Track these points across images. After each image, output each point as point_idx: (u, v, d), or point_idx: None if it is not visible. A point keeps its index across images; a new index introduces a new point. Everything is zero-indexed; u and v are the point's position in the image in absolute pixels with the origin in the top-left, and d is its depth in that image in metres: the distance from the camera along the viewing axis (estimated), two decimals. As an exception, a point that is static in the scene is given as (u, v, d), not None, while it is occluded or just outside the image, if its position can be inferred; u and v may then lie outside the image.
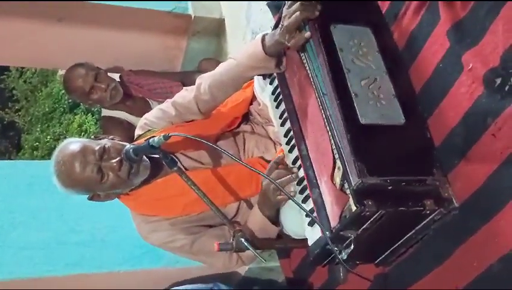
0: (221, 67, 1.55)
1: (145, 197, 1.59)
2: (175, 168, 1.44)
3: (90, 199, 1.56)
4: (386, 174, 1.18)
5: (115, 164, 1.45)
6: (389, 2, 1.51)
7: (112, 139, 1.56)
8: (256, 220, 1.53)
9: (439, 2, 1.35)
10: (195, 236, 1.59)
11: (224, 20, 2.99)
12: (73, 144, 1.50)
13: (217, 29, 3.02)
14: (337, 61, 1.31)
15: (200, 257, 1.63)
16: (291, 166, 1.44)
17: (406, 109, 1.29)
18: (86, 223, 2.29)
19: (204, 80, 1.56)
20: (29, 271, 2.16)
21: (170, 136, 1.36)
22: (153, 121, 1.63)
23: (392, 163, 1.23)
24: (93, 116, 7.32)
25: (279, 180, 1.40)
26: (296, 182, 1.41)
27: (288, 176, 1.41)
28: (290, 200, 1.44)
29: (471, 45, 1.28)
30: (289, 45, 1.36)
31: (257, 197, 1.55)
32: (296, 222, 1.46)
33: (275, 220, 1.53)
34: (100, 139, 1.54)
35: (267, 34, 1.42)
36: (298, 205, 1.34)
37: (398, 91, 1.31)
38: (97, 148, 1.46)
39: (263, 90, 1.63)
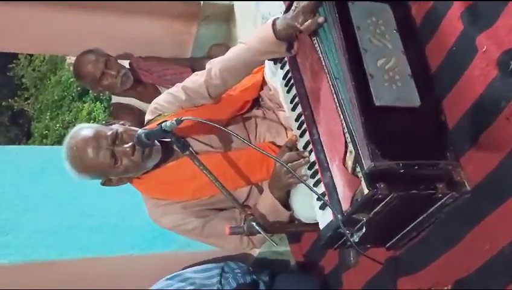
0: (231, 52, 1.55)
1: (156, 181, 1.60)
2: (187, 153, 1.45)
3: (103, 184, 1.58)
4: (398, 158, 1.18)
5: (128, 149, 1.46)
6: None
7: (123, 124, 1.57)
8: (266, 202, 1.54)
9: (453, -16, 1.34)
10: (206, 219, 1.60)
11: (233, 5, 2.97)
12: (85, 129, 1.51)
13: (226, 15, 3.01)
14: (354, 40, 1.28)
15: (211, 239, 1.65)
16: (302, 150, 1.44)
17: (422, 90, 1.27)
18: (97, 207, 2.31)
19: (214, 65, 1.56)
20: (42, 255, 2.19)
21: (182, 120, 1.37)
22: (163, 106, 1.63)
23: (405, 146, 1.22)
24: (101, 104, 7.35)
25: (291, 163, 1.40)
26: (307, 166, 1.42)
27: (299, 160, 1.41)
28: (301, 185, 1.45)
29: (485, 27, 1.27)
30: (301, 28, 1.35)
31: (268, 182, 1.55)
32: (307, 206, 1.46)
33: (285, 202, 1.54)
34: (111, 124, 1.55)
35: (278, 18, 1.41)
36: (310, 188, 1.34)
37: (415, 72, 1.29)
38: (109, 133, 1.47)
39: (274, 75, 1.63)
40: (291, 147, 1.47)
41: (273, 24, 1.40)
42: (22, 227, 2.21)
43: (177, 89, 1.64)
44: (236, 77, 1.58)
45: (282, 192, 1.51)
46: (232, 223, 1.58)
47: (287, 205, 1.54)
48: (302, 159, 1.41)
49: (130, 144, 1.47)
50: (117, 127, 1.51)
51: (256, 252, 2.33)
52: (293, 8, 1.37)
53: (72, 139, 1.50)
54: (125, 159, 1.47)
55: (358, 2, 1.33)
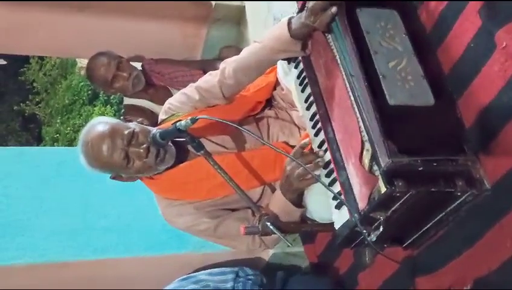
0: (245, 51, 1.55)
1: (169, 181, 1.60)
2: (202, 152, 1.45)
3: (113, 178, 1.58)
4: (416, 155, 1.17)
5: (142, 151, 1.46)
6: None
7: (141, 122, 1.57)
8: (278, 204, 1.53)
9: (470, -21, 1.33)
10: (219, 219, 1.60)
11: (244, 7, 2.98)
12: (102, 125, 1.50)
13: (237, 17, 3.02)
14: (364, 43, 1.29)
15: (224, 240, 1.64)
16: (317, 149, 1.43)
17: (435, 89, 1.27)
18: (112, 208, 2.32)
19: (228, 64, 1.56)
20: (58, 256, 2.20)
21: (197, 119, 1.37)
22: (177, 106, 1.63)
23: (422, 143, 1.21)
24: (112, 107, 7.40)
25: (306, 166, 1.39)
26: (321, 166, 1.41)
27: (314, 162, 1.40)
28: (315, 185, 1.44)
29: (504, 22, 1.25)
30: (315, 25, 1.35)
31: (279, 183, 1.54)
32: (322, 206, 1.45)
33: (298, 203, 1.53)
34: (129, 121, 1.55)
35: (293, 17, 1.41)
36: (326, 187, 1.33)
37: (427, 72, 1.29)
38: (126, 132, 1.47)
39: (287, 75, 1.63)
40: (304, 147, 1.46)
41: (289, 23, 1.40)
42: (37, 228, 2.22)
43: (190, 89, 1.64)
44: (250, 76, 1.57)
45: (294, 195, 1.50)
46: (245, 224, 1.57)
47: (298, 204, 1.53)
48: (318, 159, 1.40)
49: (144, 145, 1.46)
50: (134, 126, 1.51)
51: (269, 253, 2.32)
52: (306, 6, 1.37)
53: (89, 134, 1.50)
54: (138, 161, 1.48)
55: (365, 9, 1.35)
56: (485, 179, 1.21)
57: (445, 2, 1.43)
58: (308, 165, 1.39)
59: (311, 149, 1.45)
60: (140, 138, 1.48)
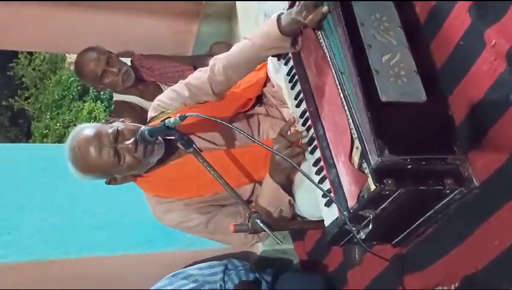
0: (235, 48, 1.54)
1: (160, 179, 1.59)
2: (191, 149, 1.44)
3: (108, 183, 1.57)
4: (405, 153, 1.17)
5: (130, 145, 1.45)
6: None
7: (123, 121, 1.56)
8: (268, 188, 1.53)
9: (460, -23, 1.33)
10: (209, 215, 1.60)
11: (235, 3, 2.96)
12: (86, 129, 1.50)
13: (228, 13, 3.01)
14: (358, 36, 1.28)
15: (216, 235, 1.64)
16: (302, 128, 1.45)
17: (428, 86, 1.26)
18: (100, 205, 2.31)
19: (218, 61, 1.55)
20: (44, 254, 2.18)
21: (186, 116, 1.36)
22: (167, 102, 1.62)
23: (412, 142, 1.21)
24: (102, 103, 7.36)
25: (288, 151, 1.43)
26: (311, 163, 1.40)
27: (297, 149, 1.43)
28: (305, 181, 1.44)
29: (494, 20, 1.26)
30: (306, 22, 1.34)
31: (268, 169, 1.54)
32: (312, 204, 1.45)
33: (286, 187, 1.53)
34: (112, 122, 1.54)
35: (282, 13, 1.40)
36: (315, 185, 1.33)
37: (420, 67, 1.28)
38: (110, 131, 1.46)
39: (277, 72, 1.62)
40: (284, 134, 1.48)
41: (278, 19, 1.39)
42: (24, 226, 2.20)
43: (180, 86, 1.63)
44: (240, 73, 1.57)
45: (282, 176, 1.51)
46: (237, 218, 1.58)
47: (287, 190, 1.53)
48: (300, 134, 1.44)
49: (132, 140, 1.46)
50: (117, 124, 1.51)
51: (259, 250, 2.32)
52: (297, 3, 1.36)
53: (74, 140, 1.49)
54: (128, 156, 1.47)
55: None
56: (474, 177, 1.21)
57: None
58: (289, 151, 1.42)
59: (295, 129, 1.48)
60: (126, 133, 1.47)
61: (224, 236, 1.63)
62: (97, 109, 7.34)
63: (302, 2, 1.34)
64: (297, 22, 1.36)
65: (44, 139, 8.16)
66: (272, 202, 1.53)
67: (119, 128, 1.48)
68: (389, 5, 1.35)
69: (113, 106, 2.89)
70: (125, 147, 1.46)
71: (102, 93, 7.02)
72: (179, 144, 1.55)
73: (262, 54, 1.50)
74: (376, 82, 1.24)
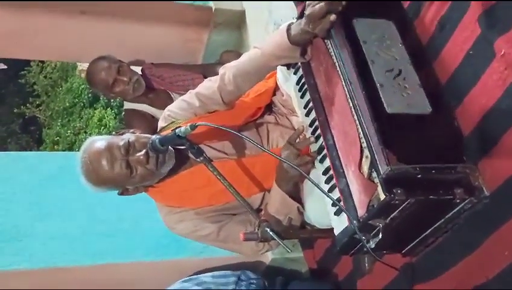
0: (245, 57, 1.55)
1: (171, 189, 1.60)
2: (201, 158, 1.45)
3: (121, 193, 1.58)
4: (415, 162, 1.17)
5: (142, 157, 1.46)
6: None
7: (134, 132, 1.57)
8: (276, 197, 1.54)
9: (470, -13, 1.33)
10: (221, 224, 1.60)
11: (245, 12, 2.99)
12: (97, 142, 1.51)
13: (238, 21, 3.02)
14: (361, 53, 1.31)
15: (228, 244, 1.65)
16: (310, 135, 1.46)
17: (432, 98, 1.28)
18: (111, 213, 2.32)
19: (228, 70, 1.56)
20: (56, 261, 2.19)
21: (197, 125, 1.37)
22: (177, 112, 1.63)
23: (420, 151, 1.22)
24: (112, 110, 7.40)
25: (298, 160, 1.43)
26: (320, 172, 1.41)
27: (308, 158, 1.43)
28: (314, 190, 1.45)
29: (504, 30, 1.26)
30: (315, 32, 1.35)
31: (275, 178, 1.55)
32: (321, 212, 1.45)
33: (294, 195, 1.54)
34: (122, 134, 1.56)
35: (292, 23, 1.41)
36: (325, 194, 1.33)
37: (424, 81, 1.31)
38: (122, 143, 1.47)
39: (287, 81, 1.63)
40: (292, 142, 1.49)
41: (288, 29, 1.40)
42: (36, 233, 2.22)
43: (190, 96, 1.64)
44: (250, 82, 1.58)
45: (289, 185, 1.51)
46: (247, 226, 1.59)
47: (295, 197, 1.54)
48: (309, 140, 1.44)
49: (143, 151, 1.46)
50: (128, 136, 1.52)
51: (269, 258, 2.32)
52: (305, 13, 1.37)
53: (85, 153, 1.50)
54: (140, 168, 1.48)
55: (362, 19, 1.36)
56: (484, 187, 1.21)
57: (445, 9, 1.43)
58: (299, 160, 1.43)
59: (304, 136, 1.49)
60: (137, 145, 1.48)
61: (236, 245, 1.64)
62: (107, 116, 7.40)
63: (306, 12, 1.34)
64: (307, 32, 1.37)
65: (55, 146, 8.22)
66: (281, 210, 1.54)
67: (130, 140, 1.48)
68: (389, 24, 1.38)
69: (123, 114, 2.91)
70: (137, 159, 1.47)
71: (112, 100, 7.07)
72: (189, 153, 1.56)
73: (272, 64, 1.51)
74: (381, 95, 1.26)
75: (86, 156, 1.50)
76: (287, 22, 1.44)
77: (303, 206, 1.57)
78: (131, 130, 1.59)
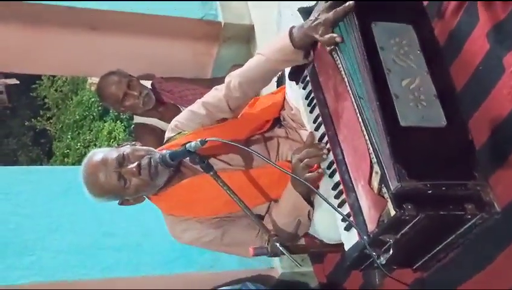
0: (249, 63, 1.57)
1: (174, 197, 1.60)
2: (211, 173, 1.46)
3: (121, 204, 1.60)
4: (425, 178, 1.16)
5: (134, 169, 1.48)
6: (427, 1, 1.48)
7: (134, 144, 1.59)
8: (289, 197, 1.53)
9: (478, 2, 1.33)
10: (224, 228, 1.60)
11: (253, 26, 3.01)
12: (95, 155, 1.55)
13: (247, 36, 3.05)
14: (378, 61, 1.27)
15: (233, 248, 1.65)
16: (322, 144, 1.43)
17: (447, 110, 1.25)
18: (121, 227, 2.33)
19: (233, 78, 1.58)
20: (66, 274, 2.20)
21: (207, 141, 1.38)
22: (184, 123, 1.65)
23: (432, 167, 1.20)
24: (122, 123, 7.46)
25: (308, 160, 1.42)
26: (330, 186, 1.40)
27: (317, 155, 1.42)
28: (324, 205, 1.44)
29: (513, 46, 1.26)
30: (320, 39, 1.35)
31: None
32: (330, 227, 1.45)
33: (307, 197, 1.53)
34: (122, 146, 1.58)
35: (294, 26, 1.42)
36: (335, 209, 1.33)
37: (440, 92, 1.27)
38: (115, 155, 1.50)
39: (295, 95, 1.64)
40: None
41: (290, 33, 1.41)
42: (46, 247, 2.23)
43: (197, 106, 1.66)
44: (256, 87, 1.61)
45: (304, 187, 1.49)
46: (251, 230, 1.59)
47: (308, 200, 1.53)
48: (321, 153, 1.41)
49: (135, 163, 1.48)
50: (124, 149, 1.54)
51: (278, 273, 2.31)
52: (312, 18, 1.38)
53: (85, 166, 1.55)
54: (134, 179, 1.49)
55: (381, 23, 1.32)
56: (495, 202, 1.20)
57: (454, 24, 1.43)
58: (311, 159, 1.41)
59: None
60: (131, 157, 1.50)
61: (240, 248, 1.63)
62: (117, 129, 7.46)
63: (320, 18, 1.35)
64: (310, 36, 1.38)
65: (66, 159, 8.29)
66: (292, 211, 1.53)
67: (124, 152, 1.51)
68: (408, 29, 1.34)
69: (132, 127, 2.92)
70: (129, 171, 1.49)
71: (122, 113, 7.13)
72: (199, 167, 1.57)
73: (277, 68, 1.54)
74: (396, 107, 1.23)
75: (85, 169, 1.54)
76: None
77: (313, 222, 1.56)
78: (132, 143, 1.61)
